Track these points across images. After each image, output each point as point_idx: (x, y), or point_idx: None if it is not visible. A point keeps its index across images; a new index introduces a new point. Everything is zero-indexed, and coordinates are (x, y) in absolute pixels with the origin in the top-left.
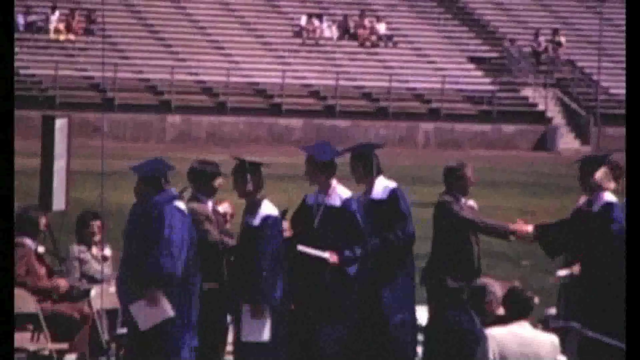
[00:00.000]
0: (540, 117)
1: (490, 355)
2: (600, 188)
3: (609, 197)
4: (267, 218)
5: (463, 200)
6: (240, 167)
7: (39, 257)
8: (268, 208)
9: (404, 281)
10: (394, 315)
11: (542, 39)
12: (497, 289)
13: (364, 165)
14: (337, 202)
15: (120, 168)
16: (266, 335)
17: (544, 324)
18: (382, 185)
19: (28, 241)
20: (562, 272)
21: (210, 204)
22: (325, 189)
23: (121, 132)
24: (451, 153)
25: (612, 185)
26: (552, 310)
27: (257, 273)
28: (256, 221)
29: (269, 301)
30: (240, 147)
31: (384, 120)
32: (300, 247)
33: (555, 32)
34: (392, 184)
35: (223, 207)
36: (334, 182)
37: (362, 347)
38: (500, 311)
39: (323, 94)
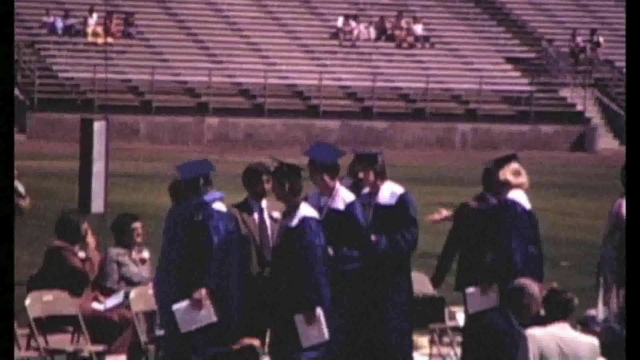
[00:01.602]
0: (579, 118)
1: (531, 356)
2: (507, 185)
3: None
4: (304, 220)
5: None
6: (279, 170)
7: (82, 261)
8: (306, 210)
9: (404, 285)
10: (393, 319)
11: (580, 39)
12: (536, 289)
13: (370, 170)
14: (340, 206)
15: (158, 170)
16: (326, 334)
17: (584, 325)
18: (389, 190)
19: (69, 246)
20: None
21: (264, 205)
22: (329, 191)
23: (159, 134)
24: (489, 154)
25: (520, 180)
26: (592, 312)
27: (302, 277)
28: (294, 223)
29: (321, 304)
30: (277, 149)
31: (421, 121)
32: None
33: (594, 32)
34: (400, 190)
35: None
36: (338, 185)
37: (361, 350)
38: (540, 312)
39: (360, 96)
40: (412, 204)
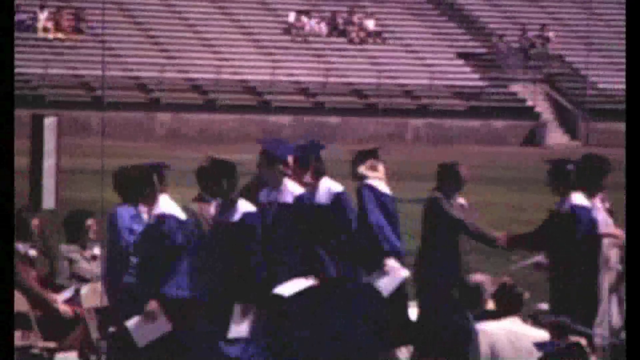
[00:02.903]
0: (529, 113)
1: (482, 350)
2: (365, 178)
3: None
4: (247, 215)
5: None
6: (213, 167)
7: (30, 260)
8: (245, 206)
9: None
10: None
11: (530, 34)
12: (488, 284)
13: (306, 167)
14: (289, 199)
15: (109, 167)
16: (246, 331)
17: (534, 319)
18: (326, 188)
19: (18, 246)
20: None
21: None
22: (278, 185)
23: (111, 130)
24: (441, 149)
25: (377, 174)
26: (543, 306)
27: (245, 272)
28: (235, 218)
29: (258, 299)
30: (230, 144)
31: (373, 116)
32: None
33: (543, 27)
34: (338, 187)
35: None
36: (286, 179)
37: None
38: (491, 307)
39: (312, 91)
40: (349, 203)
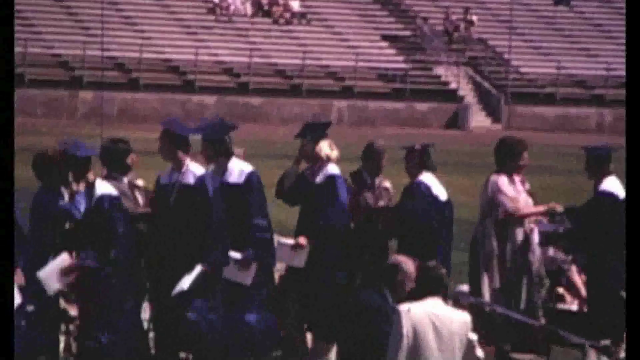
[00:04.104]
0: (452, 96)
1: (404, 331)
2: (322, 160)
3: (332, 169)
4: (101, 197)
5: (377, 180)
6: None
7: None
8: (103, 188)
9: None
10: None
11: (454, 17)
12: (410, 266)
13: (215, 147)
14: (190, 180)
15: (30, 144)
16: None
17: (456, 300)
18: (238, 168)
19: None
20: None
21: (125, 180)
22: (180, 166)
23: (32, 108)
24: (365, 131)
25: (333, 155)
26: (464, 287)
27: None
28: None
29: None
30: (152, 124)
31: (297, 97)
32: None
33: (467, 10)
34: (248, 168)
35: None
36: (188, 160)
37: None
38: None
39: (236, 71)
40: (260, 183)
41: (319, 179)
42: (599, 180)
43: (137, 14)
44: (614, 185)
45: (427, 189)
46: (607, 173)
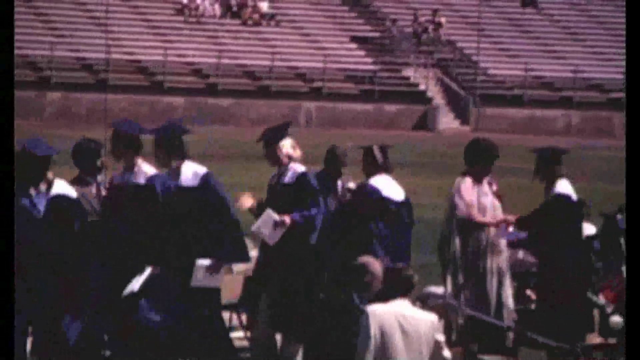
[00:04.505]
0: (421, 97)
1: (371, 332)
2: (285, 160)
3: (299, 167)
4: (57, 196)
5: (340, 181)
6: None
7: None
8: (60, 187)
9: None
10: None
11: (423, 19)
12: (377, 267)
13: (167, 149)
14: (141, 181)
15: None
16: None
17: (423, 302)
18: (191, 171)
19: None
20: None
21: (96, 181)
22: (131, 167)
23: None
24: (333, 132)
25: (295, 155)
26: (432, 288)
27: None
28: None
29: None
30: None
31: (266, 99)
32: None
33: (435, 12)
34: (202, 169)
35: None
36: (140, 160)
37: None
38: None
39: (205, 72)
40: (218, 183)
41: (287, 179)
42: (550, 183)
43: (105, 15)
44: (566, 187)
45: (375, 191)
46: (559, 175)
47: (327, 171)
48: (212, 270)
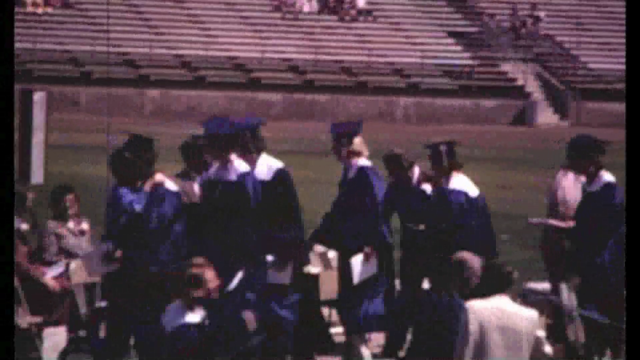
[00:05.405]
0: (519, 92)
1: (471, 328)
2: (357, 155)
3: (362, 162)
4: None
5: (415, 170)
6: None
7: (21, 235)
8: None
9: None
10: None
11: (521, 13)
12: (476, 263)
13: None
14: (233, 177)
15: (97, 142)
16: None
17: (523, 298)
18: (266, 165)
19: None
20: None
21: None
22: (225, 164)
23: (99, 106)
24: (430, 128)
25: (365, 152)
26: (532, 285)
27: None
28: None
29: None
30: None
31: (362, 94)
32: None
33: (534, 6)
34: (278, 164)
35: None
36: (233, 157)
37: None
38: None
39: (302, 69)
40: (290, 179)
41: (351, 174)
42: (592, 175)
43: (203, 12)
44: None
45: (461, 193)
46: (600, 167)
47: (397, 181)
48: (278, 267)
